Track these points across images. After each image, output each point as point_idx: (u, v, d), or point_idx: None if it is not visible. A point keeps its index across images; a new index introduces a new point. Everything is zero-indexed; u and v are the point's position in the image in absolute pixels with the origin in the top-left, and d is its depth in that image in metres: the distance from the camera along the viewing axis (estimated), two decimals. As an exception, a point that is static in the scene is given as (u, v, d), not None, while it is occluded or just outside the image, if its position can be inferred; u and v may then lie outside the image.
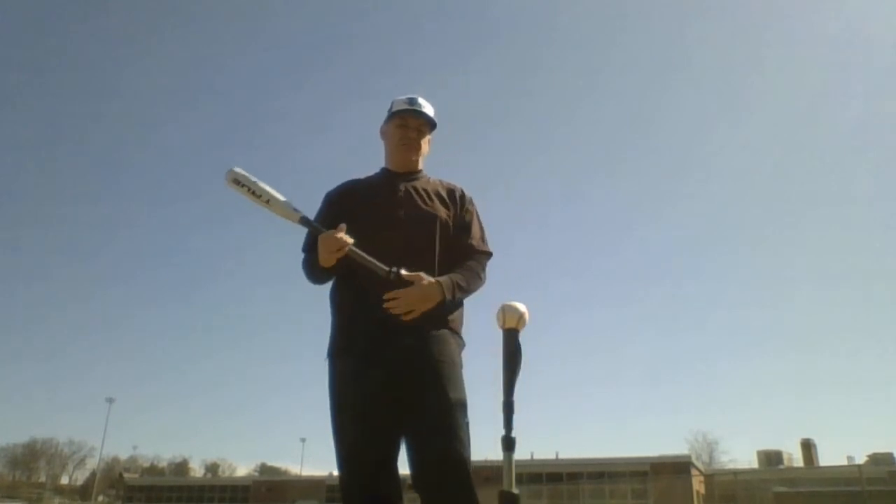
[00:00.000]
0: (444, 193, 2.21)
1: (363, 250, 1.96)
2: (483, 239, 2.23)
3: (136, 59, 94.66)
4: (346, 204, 2.16)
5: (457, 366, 1.93)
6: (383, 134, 2.31)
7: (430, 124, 2.25)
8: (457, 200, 2.23)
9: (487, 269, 2.16)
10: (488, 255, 2.19)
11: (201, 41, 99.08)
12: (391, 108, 2.27)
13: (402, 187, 2.17)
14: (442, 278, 1.97)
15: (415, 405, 1.85)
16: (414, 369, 1.87)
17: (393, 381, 1.86)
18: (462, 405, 1.85)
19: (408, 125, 2.22)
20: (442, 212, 2.15)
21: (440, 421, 1.80)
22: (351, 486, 1.86)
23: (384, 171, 2.27)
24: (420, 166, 2.27)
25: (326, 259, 1.95)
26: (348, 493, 1.86)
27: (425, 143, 2.27)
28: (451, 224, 2.15)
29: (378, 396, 1.86)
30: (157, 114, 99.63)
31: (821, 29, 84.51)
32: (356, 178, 2.29)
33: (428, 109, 2.24)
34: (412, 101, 2.23)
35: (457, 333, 2.03)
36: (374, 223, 2.07)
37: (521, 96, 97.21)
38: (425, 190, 2.19)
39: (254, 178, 2.04)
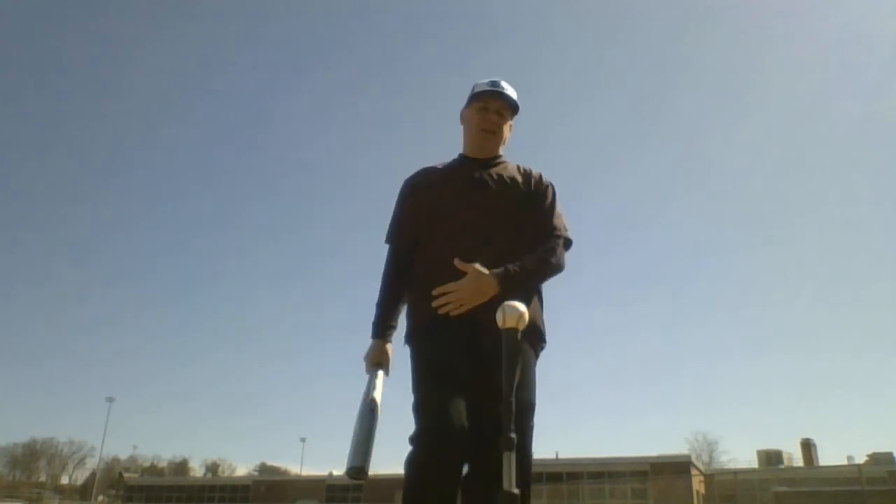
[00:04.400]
0: (519, 179, 2.13)
1: (437, 241, 2.02)
2: (561, 224, 2.12)
3: (136, 59, 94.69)
4: (422, 193, 2.14)
5: (530, 368, 1.94)
6: (463, 118, 2.22)
7: (512, 108, 2.16)
8: (532, 186, 2.14)
9: (564, 253, 2.07)
10: (565, 239, 2.10)
11: (201, 41, 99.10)
12: (472, 90, 2.18)
13: (477, 174, 2.11)
14: (497, 270, 1.89)
15: (485, 403, 1.84)
16: (491, 370, 1.84)
17: (471, 380, 1.87)
18: (531, 407, 1.89)
19: (488, 108, 2.14)
20: (517, 199, 2.08)
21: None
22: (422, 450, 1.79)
23: (461, 157, 2.20)
24: (499, 152, 2.20)
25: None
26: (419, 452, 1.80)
27: (506, 128, 2.18)
28: (525, 211, 2.08)
29: (460, 380, 1.87)
30: (157, 114, 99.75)
31: (821, 29, 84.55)
32: (433, 165, 2.23)
33: (511, 92, 2.14)
34: (494, 84, 2.14)
35: (536, 334, 2.01)
36: (446, 213, 2.03)
37: (519, 95, 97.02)
38: (500, 175, 2.11)
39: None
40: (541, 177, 2.18)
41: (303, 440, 68.16)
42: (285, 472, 64.54)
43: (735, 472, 28.00)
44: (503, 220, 2.04)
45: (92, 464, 71.73)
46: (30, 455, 75.87)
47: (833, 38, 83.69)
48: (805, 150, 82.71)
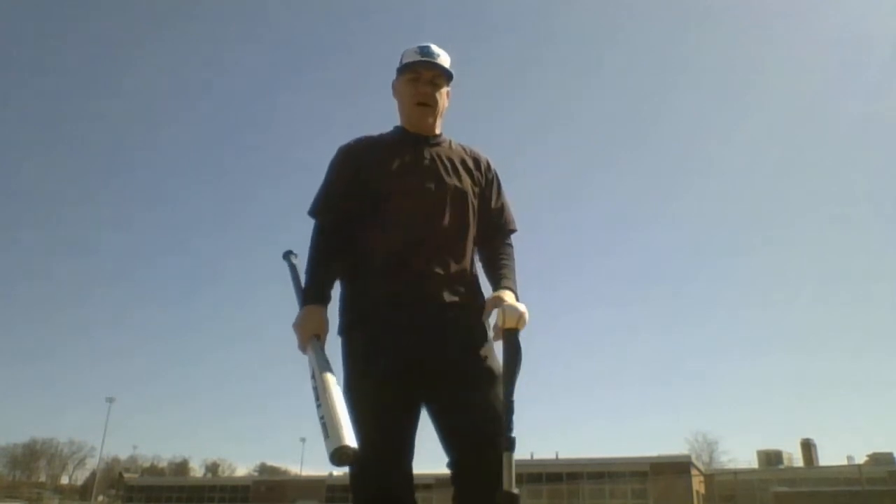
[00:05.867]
0: (469, 163, 2.04)
1: (388, 222, 1.87)
2: (511, 216, 2.10)
3: (136, 59, 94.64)
4: (364, 164, 1.97)
5: (491, 342, 1.86)
6: (395, 90, 2.09)
7: (445, 75, 2.02)
8: (482, 171, 2.06)
9: None
10: (514, 232, 2.09)
11: (201, 41, 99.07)
12: (401, 59, 2.04)
13: (426, 154, 1.98)
14: (508, 290, 1.85)
15: (448, 378, 1.77)
16: (447, 338, 1.79)
17: (419, 354, 1.77)
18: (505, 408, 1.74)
19: (420, 78, 1.99)
20: (469, 185, 1.99)
21: (484, 392, 1.75)
22: (364, 485, 1.73)
23: (401, 130, 2.06)
24: (439, 128, 2.06)
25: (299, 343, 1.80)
26: (360, 490, 1.73)
27: (442, 97, 2.02)
28: (477, 196, 2.01)
29: (399, 378, 1.74)
30: (157, 114, 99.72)
31: (821, 29, 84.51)
32: (370, 135, 2.07)
33: (443, 58, 2.01)
34: (424, 51, 1.99)
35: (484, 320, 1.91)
36: (401, 195, 1.91)
37: (520, 95, 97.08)
38: (450, 158, 2.00)
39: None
40: (488, 161, 2.10)
41: (303, 440, 67.78)
42: (285, 472, 64.48)
43: (735, 472, 28.00)
44: (457, 205, 1.94)
45: (92, 464, 71.72)
46: (30, 455, 75.79)
47: (833, 38, 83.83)
48: (805, 150, 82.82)
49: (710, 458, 50.69)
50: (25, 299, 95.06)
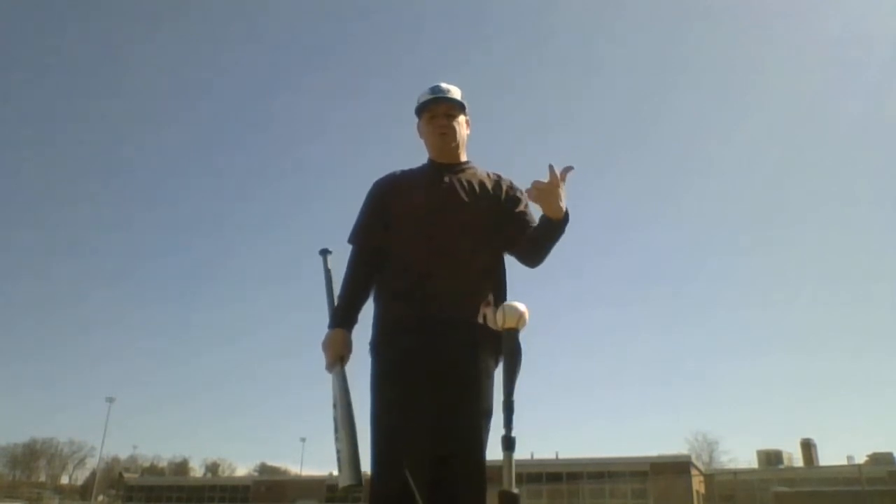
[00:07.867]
0: (489, 184, 2.15)
1: (409, 245, 2.01)
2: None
3: (136, 59, 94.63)
4: (391, 195, 2.15)
5: (491, 377, 1.93)
6: (419, 132, 2.25)
7: (457, 106, 2.18)
8: (503, 189, 2.16)
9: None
10: None
11: (201, 41, 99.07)
12: (417, 103, 2.21)
13: (446, 179, 2.12)
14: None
15: (448, 379, 1.86)
16: (452, 376, 1.86)
17: (432, 382, 1.85)
18: (488, 414, 1.87)
19: (436, 114, 2.16)
20: (487, 203, 2.09)
21: (467, 428, 1.83)
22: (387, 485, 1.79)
23: (429, 161, 2.22)
24: (464, 156, 2.21)
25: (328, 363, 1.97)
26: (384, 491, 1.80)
27: (460, 126, 2.18)
28: (497, 215, 2.10)
29: (403, 378, 1.86)
30: (157, 114, 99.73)
31: (821, 29, 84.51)
32: (402, 169, 2.25)
33: (453, 92, 2.18)
34: (434, 90, 2.17)
35: (491, 334, 1.94)
36: (416, 217, 2.05)
37: (519, 94, 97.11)
38: (469, 181, 2.12)
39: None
40: (511, 182, 2.20)
41: (303, 440, 68.04)
42: (285, 472, 64.44)
43: (735, 472, 28.04)
44: (475, 224, 2.05)
45: (92, 464, 71.76)
46: (30, 455, 75.80)
47: (833, 38, 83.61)
48: (805, 150, 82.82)
49: (710, 458, 50.79)
50: (25, 299, 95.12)
